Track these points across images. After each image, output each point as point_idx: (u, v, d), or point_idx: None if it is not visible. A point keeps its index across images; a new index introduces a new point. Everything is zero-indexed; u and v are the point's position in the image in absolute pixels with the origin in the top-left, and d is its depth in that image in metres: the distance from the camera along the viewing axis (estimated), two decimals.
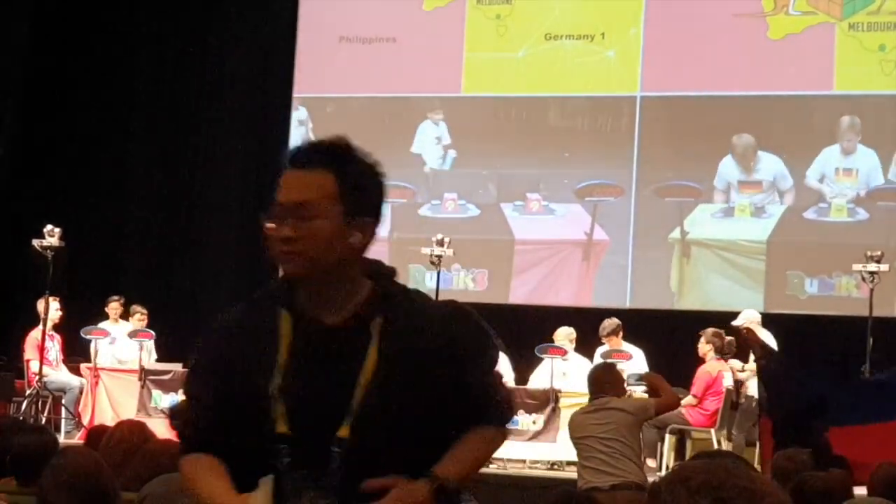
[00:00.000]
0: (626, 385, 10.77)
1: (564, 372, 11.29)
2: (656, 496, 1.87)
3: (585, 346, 11.61)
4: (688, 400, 10.32)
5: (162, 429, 10.09)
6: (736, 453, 8.12)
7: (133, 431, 5.06)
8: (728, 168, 13.43)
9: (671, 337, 12.69)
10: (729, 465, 1.87)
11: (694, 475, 1.84)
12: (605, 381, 6.93)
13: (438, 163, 14.40)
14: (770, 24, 13.41)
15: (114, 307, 12.86)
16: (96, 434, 5.68)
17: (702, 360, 10.72)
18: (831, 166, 13.16)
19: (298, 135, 14.84)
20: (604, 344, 11.43)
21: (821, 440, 5.73)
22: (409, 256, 13.62)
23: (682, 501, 1.83)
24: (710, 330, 10.78)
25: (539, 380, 11.43)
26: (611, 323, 11.34)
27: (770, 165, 13.35)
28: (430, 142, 14.34)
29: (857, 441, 5.99)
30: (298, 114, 14.89)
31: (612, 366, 8.11)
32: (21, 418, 10.34)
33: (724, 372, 10.55)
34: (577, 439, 6.80)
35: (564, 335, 11.51)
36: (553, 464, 10.68)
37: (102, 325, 12.63)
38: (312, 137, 14.77)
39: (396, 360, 2.63)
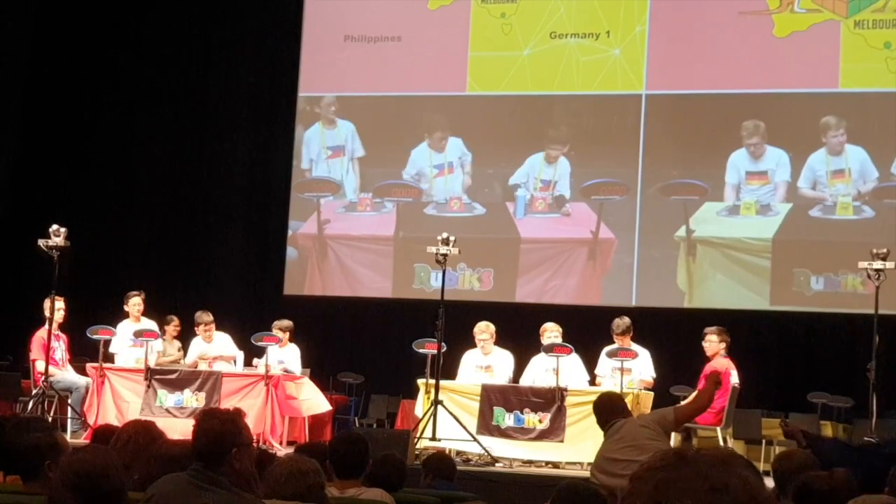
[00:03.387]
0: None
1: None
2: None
3: (591, 344, 11.59)
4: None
5: (163, 427, 10.15)
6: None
7: (140, 432, 5.06)
8: (738, 158, 13.44)
9: (677, 335, 12.68)
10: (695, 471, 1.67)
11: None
12: (614, 407, 7.26)
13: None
14: (775, 22, 13.40)
15: (135, 303, 12.23)
16: (103, 434, 5.67)
17: (709, 358, 10.71)
18: (822, 170, 13.22)
19: (303, 133, 14.85)
20: (614, 342, 11.39)
21: None
22: (414, 255, 13.62)
23: None
24: (718, 328, 10.77)
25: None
26: (623, 322, 11.34)
27: (776, 156, 13.37)
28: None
29: None
30: (303, 113, 14.89)
31: (616, 394, 8.29)
32: (29, 416, 10.32)
33: (730, 370, 10.53)
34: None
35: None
36: (556, 464, 10.61)
37: (123, 324, 12.22)
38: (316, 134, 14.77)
39: None
